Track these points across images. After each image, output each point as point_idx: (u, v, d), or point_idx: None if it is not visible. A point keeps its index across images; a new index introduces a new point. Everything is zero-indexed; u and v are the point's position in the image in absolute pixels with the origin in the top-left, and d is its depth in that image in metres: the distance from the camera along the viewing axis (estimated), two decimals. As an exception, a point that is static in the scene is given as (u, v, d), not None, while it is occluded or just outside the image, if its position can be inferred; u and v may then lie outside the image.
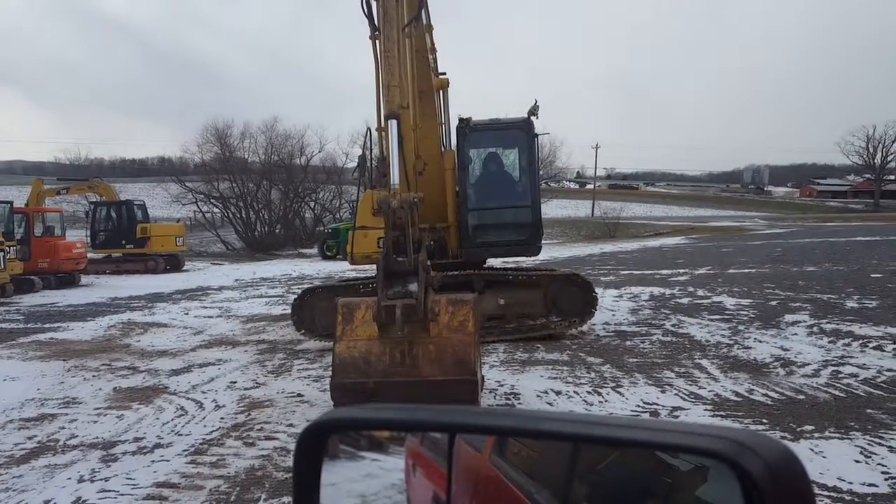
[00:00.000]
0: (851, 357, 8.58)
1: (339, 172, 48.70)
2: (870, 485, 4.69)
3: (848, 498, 4.50)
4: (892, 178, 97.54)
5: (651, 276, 19.73)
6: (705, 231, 50.24)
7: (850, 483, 4.72)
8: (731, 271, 19.93)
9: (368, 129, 10.63)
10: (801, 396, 6.98)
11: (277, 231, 47.43)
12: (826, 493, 4.58)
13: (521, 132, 11.09)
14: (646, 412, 6.70)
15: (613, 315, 12.53)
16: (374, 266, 9.56)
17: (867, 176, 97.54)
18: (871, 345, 9.20)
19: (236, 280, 23.68)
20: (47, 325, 14.01)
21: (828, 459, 5.19)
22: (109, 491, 5.14)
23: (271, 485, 5.12)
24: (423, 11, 9.35)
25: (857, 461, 5.15)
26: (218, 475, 5.39)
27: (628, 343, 10.12)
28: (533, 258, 12.16)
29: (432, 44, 10.84)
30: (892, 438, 5.58)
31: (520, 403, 7.18)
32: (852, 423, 6.01)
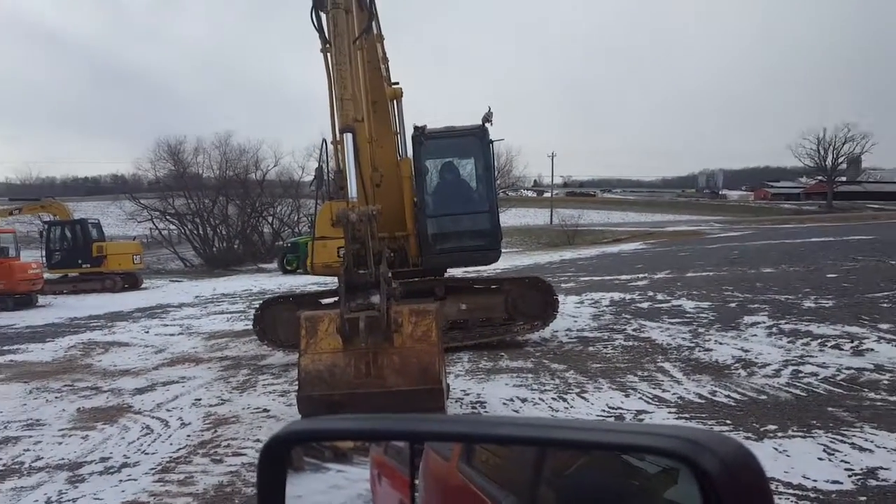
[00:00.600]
0: (811, 356, 8.75)
1: (295, 186, 48.50)
2: (834, 482, 4.78)
3: (813, 495, 4.58)
4: (844, 179, 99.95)
5: (611, 281, 19.93)
6: (663, 236, 50.89)
7: (815, 481, 4.80)
8: (689, 275, 20.22)
9: (324, 140, 10.41)
10: (763, 396, 7.10)
11: (236, 247, 47.02)
12: (791, 491, 4.66)
13: (475, 139, 11.15)
14: (611, 417, 6.76)
15: (575, 321, 12.63)
16: (335, 278, 9.76)
17: (819, 178, 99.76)
18: (829, 344, 9.39)
19: (196, 297, 23.43)
20: (6, 348, 13.70)
21: (792, 458, 5.27)
22: (76, 513, 5.05)
23: (240, 500, 5.08)
24: (373, 22, 9.37)
25: (821, 459, 5.25)
26: (186, 493, 5.33)
27: (591, 348, 10.20)
28: (493, 266, 12.19)
29: (384, 53, 10.88)
30: (854, 435, 5.69)
31: (486, 411, 7.20)
32: (814, 422, 6.13)
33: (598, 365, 9.07)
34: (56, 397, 9.06)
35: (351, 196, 6.89)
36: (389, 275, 6.67)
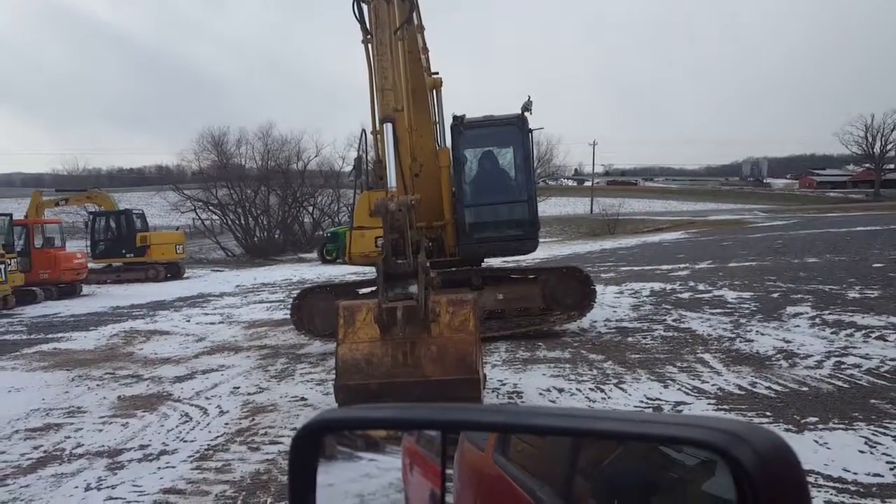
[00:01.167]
0: (854, 348, 8.57)
1: (336, 176, 48.62)
2: (875, 475, 4.68)
3: (853, 488, 4.49)
4: (892, 167, 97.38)
5: (651, 271, 19.71)
6: (705, 225, 50.22)
7: (855, 473, 4.71)
8: (731, 265, 19.92)
9: (363, 130, 10.48)
10: (805, 388, 6.97)
11: (277, 236, 47.31)
12: (831, 484, 4.57)
13: (514, 128, 11.10)
14: (649, 408, 6.70)
15: (615, 311, 12.52)
16: (373, 267, 9.79)
17: (867, 166, 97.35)
18: (873, 335, 9.19)
19: (237, 286, 23.70)
20: (50, 336, 14.01)
21: (832, 451, 5.18)
22: (116, 498, 5.15)
23: (276, 488, 5.13)
24: (414, 13, 9.37)
25: (862, 451, 5.14)
26: (223, 480, 5.40)
27: (630, 339, 10.11)
28: (531, 256, 12.15)
29: (424, 44, 10.89)
30: (896, 428, 5.57)
31: (522, 402, 7.19)
32: (856, 414, 6.01)
33: (637, 355, 8.99)
34: (97, 385, 9.22)
35: (390, 186, 6.94)
36: (427, 264, 6.68)
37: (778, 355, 8.47)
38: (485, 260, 11.64)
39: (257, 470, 5.58)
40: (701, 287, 15.20)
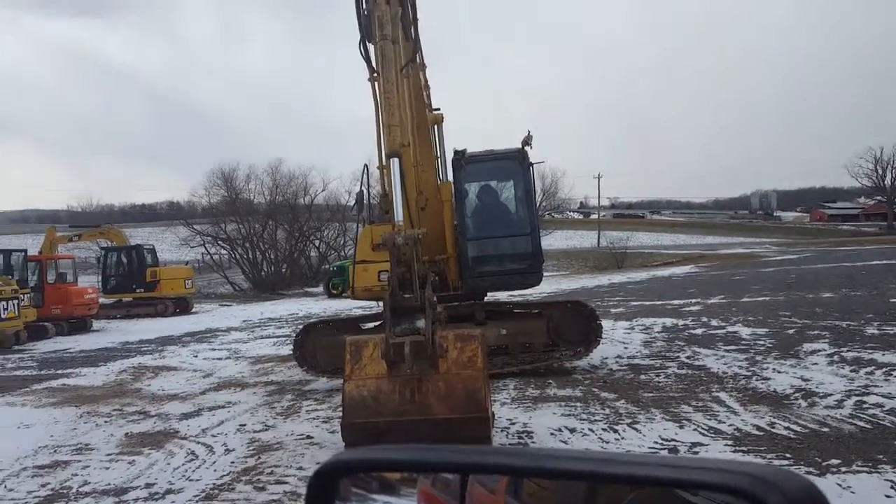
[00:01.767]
0: (875, 386, 8.37)
1: (342, 210, 48.65)
2: (903, 521, 4.49)
3: (881, 536, 4.30)
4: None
5: (662, 306, 19.50)
6: (716, 259, 49.91)
7: (882, 520, 4.52)
8: (744, 300, 19.70)
9: (365, 165, 10.86)
10: (826, 429, 6.78)
11: (284, 270, 47.24)
12: (857, 531, 4.38)
13: (515, 162, 11.09)
14: (664, 449, 6.52)
15: (626, 348, 12.32)
16: (378, 302, 9.74)
17: (878, 198, 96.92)
18: (895, 373, 8.97)
19: (244, 321, 23.64)
20: (60, 372, 14.00)
21: (856, 495, 5.01)
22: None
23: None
24: (417, 53, 9.58)
25: (889, 496, 4.97)
26: (227, 523, 5.26)
27: (643, 377, 9.93)
28: (537, 290, 12.05)
29: (426, 81, 11.14)
30: (923, 471, 5.37)
31: (533, 442, 7.04)
32: (881, 456, 5.82)
33: (651, 394, 8.81)
34: (105, 421, 9.17)
35: (397, 220, 6.93)
36: (434, 299, 6.61)
37: (796, 394, 8.26)
38: (488, 294, 11.52)
39: (262, 512, 5.45)
40: (714, 323, 14.99)
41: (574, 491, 1.06)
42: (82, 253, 38.21)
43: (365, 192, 10.78)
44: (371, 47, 8.03)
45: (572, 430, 7.31)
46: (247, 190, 50.52)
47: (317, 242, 49.06)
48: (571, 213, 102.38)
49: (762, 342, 12.10)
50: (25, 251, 22.33)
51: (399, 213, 6.98)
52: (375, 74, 7.88)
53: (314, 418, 8.67)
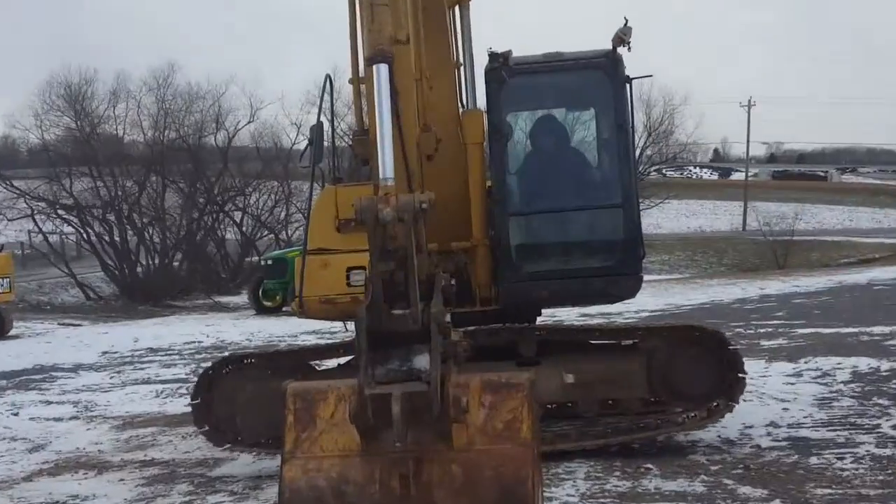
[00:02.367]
0: None
1: (284, 157, 34.81)
2: None
3: None
4: None
5: (854, 337, 14.82)
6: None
7: None
8: None
9: (328, 77, 8.33)
10: None
11: (178, 265, 33.03)
12: None
13: (601, 75, 7.97)
14: None
15: (786, 409, 9.15)
16: (346, 324, 8.25)
17: None
18: None
19: (104, 353, 18.14)
20: None
21: None
22: None
23: None
24: None
25: None
26: None
27: (814, 460, 7.45)
28: (627, 305, 9.86)
29: None
30: None
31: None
32: None
33: (827, 491, 6.39)
34: None
35: (383, 177, 4.72)
36: (447, 318, 4.49)
37: None
38: (542, 311, 8.82)
39: None
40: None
41: None
42: None
43: (326, 124, 8.63)
44: None
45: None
46: (111, 118, 35.20)
47: (238, 215, 33.63)
48: (697, 171, 75.57)
49: None
50: None
51: (388, 165, 4.83)
52: None
53: (228, 534, 6.60)
